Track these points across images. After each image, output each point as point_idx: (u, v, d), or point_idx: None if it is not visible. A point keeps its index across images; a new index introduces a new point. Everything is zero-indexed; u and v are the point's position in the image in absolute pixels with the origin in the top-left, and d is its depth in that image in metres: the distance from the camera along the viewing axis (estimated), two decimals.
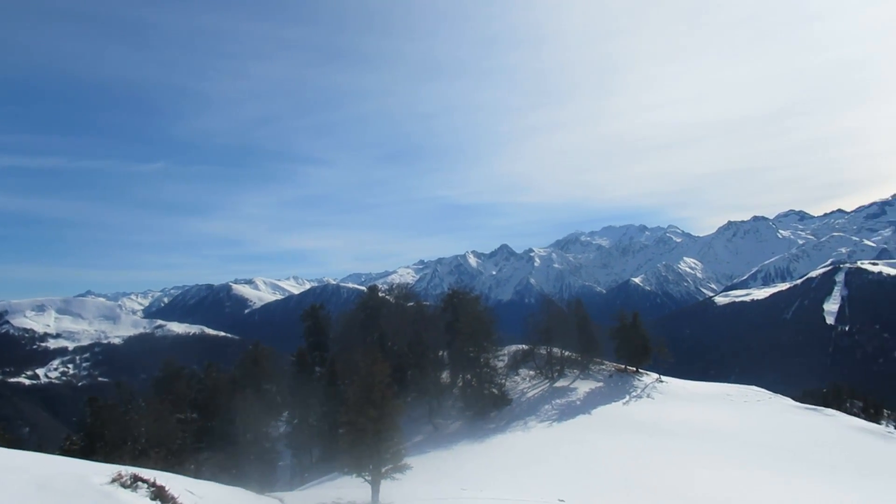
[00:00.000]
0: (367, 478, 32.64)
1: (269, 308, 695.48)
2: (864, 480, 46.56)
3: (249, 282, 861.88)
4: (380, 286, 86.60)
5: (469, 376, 68.07)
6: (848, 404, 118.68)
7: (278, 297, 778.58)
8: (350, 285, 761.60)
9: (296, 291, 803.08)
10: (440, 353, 74.28)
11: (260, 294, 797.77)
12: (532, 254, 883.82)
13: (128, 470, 15.66)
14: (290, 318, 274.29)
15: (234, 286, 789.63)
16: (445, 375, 74.03)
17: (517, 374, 76.98)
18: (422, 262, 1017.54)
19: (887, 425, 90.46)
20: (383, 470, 32.46)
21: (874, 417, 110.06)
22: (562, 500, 34.38)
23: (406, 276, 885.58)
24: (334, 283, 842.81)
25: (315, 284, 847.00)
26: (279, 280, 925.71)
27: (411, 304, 79.61)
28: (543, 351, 79.51)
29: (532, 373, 77.58)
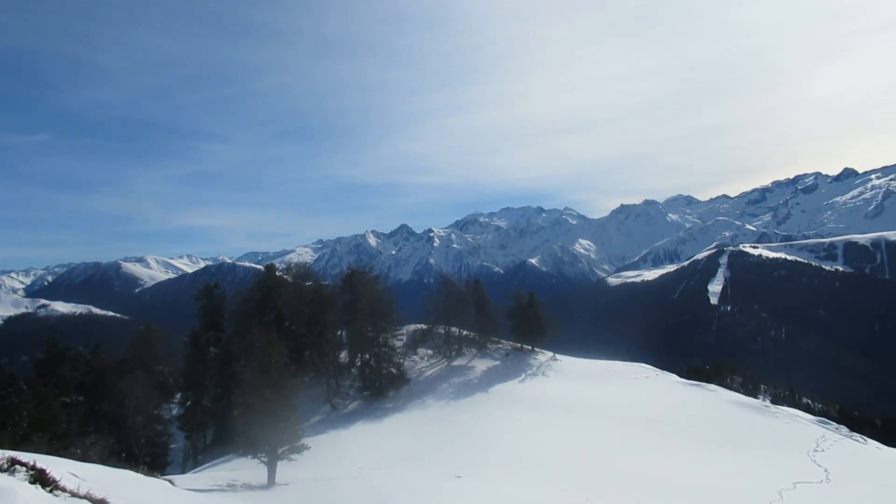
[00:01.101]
0: (263, 459, 32.19)
1: (161, 287, 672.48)
2: (742, 450, 49.19)
3: (140, 260, 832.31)
4: (277, 265, 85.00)
5: (367, 356, 67.91)
6: (729, 380, 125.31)
7: (171, 275, 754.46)
8: (246, 264, 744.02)
9: (190, 270, 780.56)
10: (338, 332, 73.78)
11: (152, 273, 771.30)
12: (432, 234, 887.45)
13: (4, 454, 14.86)
14: (183, 298, 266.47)
15: (124, 264, 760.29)
16: (344, 355, 73.64)
17: (416, 354, 77.33)
18: (321, 241, 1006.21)
19: (763, 399, 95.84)
20: (280, 451, 32.10)
21: (752, 392, 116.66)
22: (459, 476, 34.88)
23: (304, 255, 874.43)
24: (230, 261, 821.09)
25: (210, 263, 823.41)
26: (172, 258, 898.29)
27: (309, 283, 78.46)
28: (442, 330, 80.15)
29: (430, 352, 78.11)
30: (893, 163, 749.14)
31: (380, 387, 64.52)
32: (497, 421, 53.69)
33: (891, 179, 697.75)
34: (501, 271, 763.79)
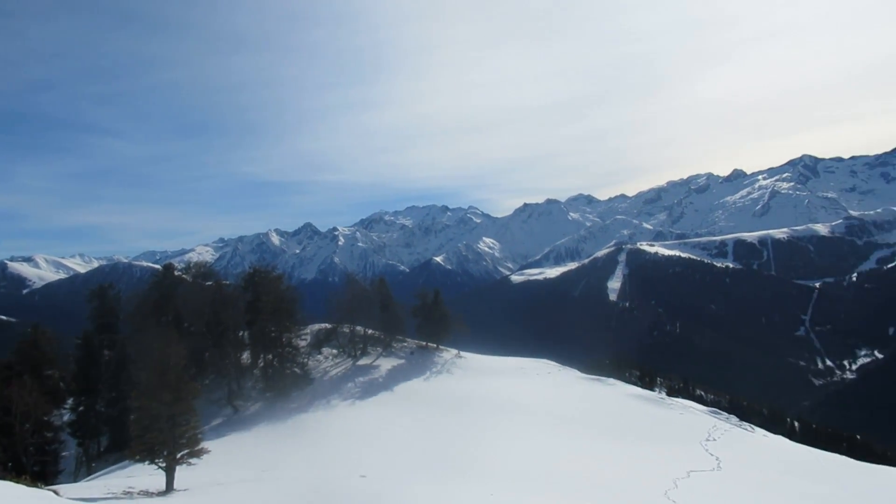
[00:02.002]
0: (160, 465, 31.23)
1: (51, 288, 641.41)
2: (639, 442, 50.88)
3: (29, 259, 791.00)
4: (176, 264, 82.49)
5: (270, 356, 66.76)
6: (627, 374, 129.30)
7: (62, 276, 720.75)
8: (144, 264, 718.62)
9: (82, 270, 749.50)
10: (240, 333, 72.19)
11: (41, 273, 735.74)
12: (336, 232, 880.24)
13: None
14: (75, 299, 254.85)
15: (10, 264, 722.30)
16: (246, 356, 72.12)
17: (320, 354, 76.51)
18: (222, 240, 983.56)
19: (659, 391, 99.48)
20: (178, 456, 31.20)
21: (649, 385, 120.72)
22: (363, 476, 34.76)
23: (205, 254, 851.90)
24: (126, 261, 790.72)
25: (104, 263, 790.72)
26: (63, 258, 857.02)
27: (210, 283, 76.38)
28: (347, 329, 79.60)
29: (335, 351, 77.44)
30: (778, 164, 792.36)
31: (283, 388, 63.48)
32: (403, 420, 53.80)
33: (776, 180, 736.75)
34: (407, 270, 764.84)
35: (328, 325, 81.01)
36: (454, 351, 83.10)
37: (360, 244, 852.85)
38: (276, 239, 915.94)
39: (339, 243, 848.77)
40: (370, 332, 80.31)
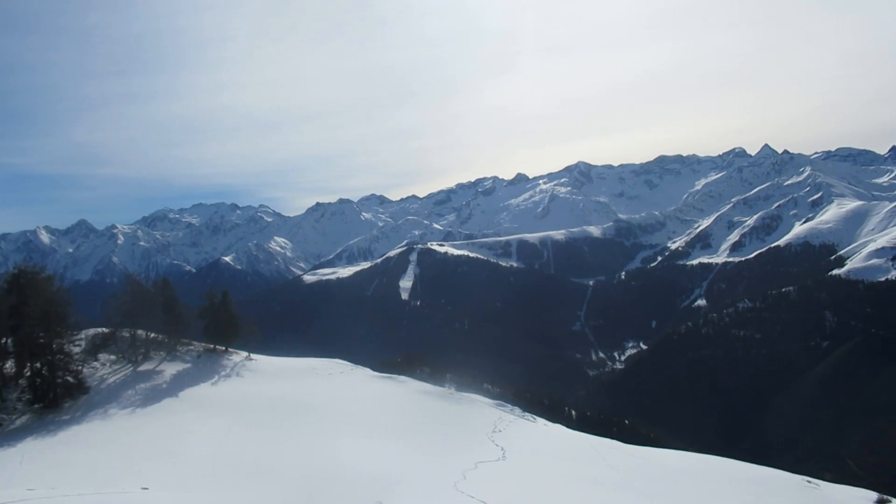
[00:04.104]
0: None
1: None
2: (430, 437, 52.32)
3: None
4: None
5: (39, 364, 61.35)
6: (418, 371, 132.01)
7: None
8: None
9: None
10: (3, 340, 65.78)
11: None
12: (115, 230, 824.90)
13: None
14: None
15: None
16: (10, 365, 65.72)
17: (97, 360, 71.28)
18: None
19: (449, 387, 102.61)
20: None
21: (439, 381, 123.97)
22: (146, 489, 32.93)
23: None
24: None
25: None
26: None
27: None
28: (126, 333, 74.81)
29: (114, 357, 72.53)
30: (557, 170, 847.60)
31: (54, 398, 58.61)
32: (188, 426, 51.53)
33: (555, 185, 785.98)
34: (194, 270, 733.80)
35: (105, 330, 75.82)
36: (244, 353, 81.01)
37: (142, 243, 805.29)
38: (45, 237, 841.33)
39: (119, 242, 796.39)
40: (153, 335, 76.14)
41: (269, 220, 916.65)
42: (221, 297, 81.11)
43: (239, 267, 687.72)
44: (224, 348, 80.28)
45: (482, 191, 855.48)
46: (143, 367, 70.52)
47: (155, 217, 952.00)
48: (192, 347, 79.08)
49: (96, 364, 70.61)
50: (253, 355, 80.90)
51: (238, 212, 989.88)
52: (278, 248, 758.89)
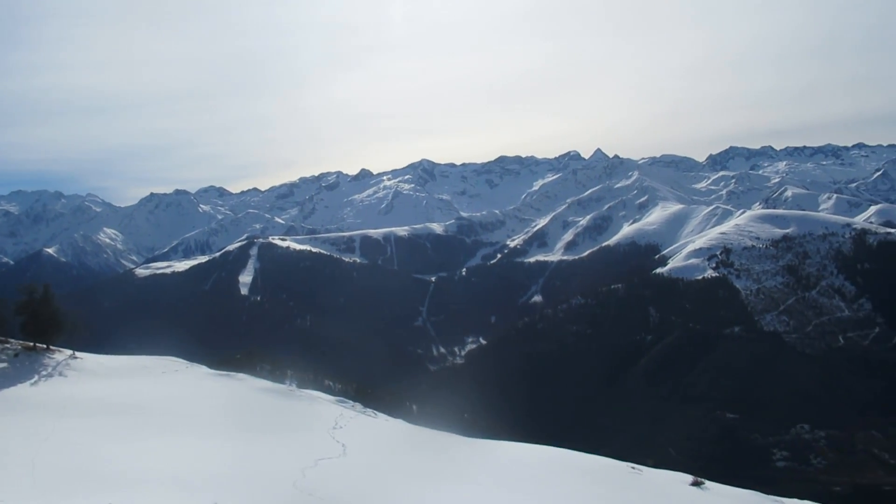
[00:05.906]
0: None
1: None
2: (269, 435, 51.19)
3: None
4: None
5: None
6: (258, 368, 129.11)
7: None
8: None
9: None
10: None
11: None
12: None
13: None
14: None
15: None
16: None
17: None
18: None
19: (290, 384, 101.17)
20: None
21: (280, 378, 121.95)
22: None
23: None
24: None
25: None
26: None
27: None
28: None
29: None
30: (401, 167, 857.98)
31: None
32: (8, 432, 47.77)
33: (399, 181, 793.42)
34: (12, 262, 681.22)
35: None
36: (69, 352, 75.97)
37: None
38: None
39: None
40: None
41: (98, 210, 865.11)
42: (42, 291, 75.65)
43: (64, 259, 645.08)
44: (45, 346, 74.99)
45: (326, 186, 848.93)
46: None
47: None
48: (8, 346, 73.24)
49: None
50: (79, 354, 75.97)
51: (63, 200, 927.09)
52: (108, 241, 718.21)
